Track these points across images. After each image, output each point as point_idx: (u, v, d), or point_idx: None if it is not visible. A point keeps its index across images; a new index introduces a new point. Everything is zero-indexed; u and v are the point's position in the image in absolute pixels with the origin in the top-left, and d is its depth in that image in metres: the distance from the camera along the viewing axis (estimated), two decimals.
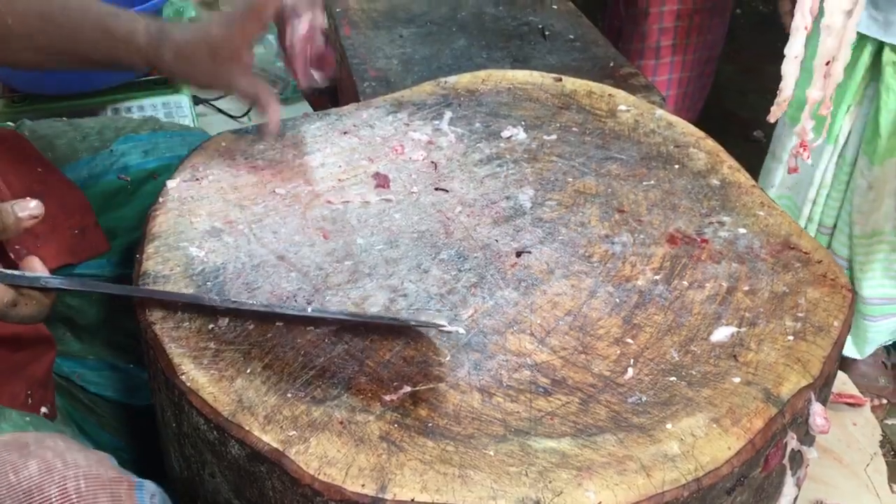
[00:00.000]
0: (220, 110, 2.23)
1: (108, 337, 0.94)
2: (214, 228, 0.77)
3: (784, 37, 0.89)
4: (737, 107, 2.85)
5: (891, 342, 1.75)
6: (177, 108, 1.97)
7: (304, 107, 2.26)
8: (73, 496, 0.50)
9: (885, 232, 1.52)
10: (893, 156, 1.42)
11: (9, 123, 1.00)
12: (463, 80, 1.04)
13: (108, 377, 0.93)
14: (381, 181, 0.84)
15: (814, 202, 1.56)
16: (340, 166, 0.87)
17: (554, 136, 0.93)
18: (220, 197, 0.82)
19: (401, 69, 1.22)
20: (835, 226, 1.59)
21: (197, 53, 0.80)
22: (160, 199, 0.81)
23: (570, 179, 0.86)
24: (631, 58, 2.06)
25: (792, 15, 1.68)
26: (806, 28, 0.78)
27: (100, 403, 0.93)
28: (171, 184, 0.82)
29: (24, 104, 1.89)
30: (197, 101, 2.17)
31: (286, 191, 0.83)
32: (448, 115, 0.97)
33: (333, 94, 1.43)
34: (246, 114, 2.24)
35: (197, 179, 0.83)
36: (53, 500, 0.49)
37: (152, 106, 1.95)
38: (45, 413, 0.79)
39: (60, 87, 1.88)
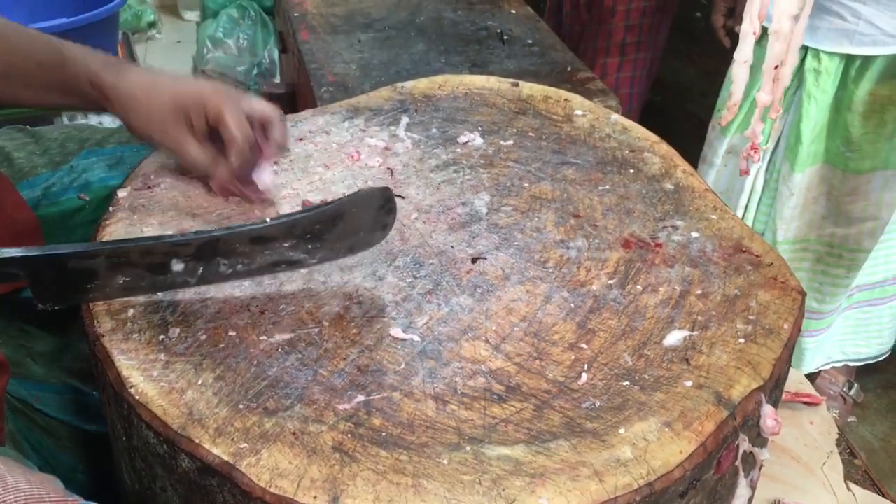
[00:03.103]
0: None
1: (68, 364, 0.91)
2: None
3: None
4: (698, 108, 2.88)
5: (828, 365, 1.77)
6: None
7: None
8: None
9: (809, 240, 1.54)
10: (814, 163, 1.44)
11: None
12: (420, 85, 1.04)
13: (68, 401, 0.90)
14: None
15: (745, 208, 1.58)
16: (296, 174, 0.86)
17: (510, 142, 0.93)
18: (173, 205, 0.80)
19: (359, 74, 1.21)
20: (763, 233, 1.61)
21: (157, 99, 0.76)
22: (110, 209, 0.79)
23: (527, 185, 0.86)
24: (596, 56, 2.08)
25: (724, 29, 1.71)
26: (754, 33, 0.79)
27: (57, 427, 0.90)
28: (121, 193, 0.81)
29: None
30: None
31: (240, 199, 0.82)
32: (405, 120, 0.96)
33: (291, 99, 1.42)
34: None
35: (149, 187, 0.82)
36: None
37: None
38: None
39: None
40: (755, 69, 0.84)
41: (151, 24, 2.59)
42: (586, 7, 2.10)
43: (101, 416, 0.92)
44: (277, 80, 2.22)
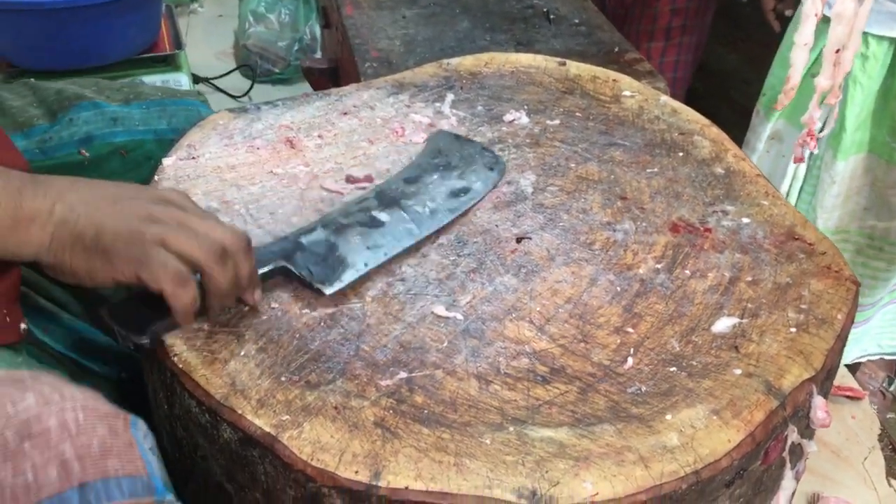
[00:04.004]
0: (219, 89, 2.22)
1: (78, 311, 0.88)
2: (211, 208, 0.76)
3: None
4: (740, 95, 2.82)
5: (863, 358, 1.73)
6: (176, 86, 1.95)
7: (305, 87, 2.24)
8: (72, 426, 0.49)
9: (849, 231, 1.50)
10: (858, 152, 1.39)
11: None
12: (466, 62, 1.03)
13: (75, 339, 0.86)
14: (358, 181, 0.82)
15: (787, 195, 1.54)
16: (339, 148, 0.86)
17: (557, 122, 0.92)
18: (217, 176, 0.80)
19: (403, 50, 1.20)
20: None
21: (102, 191, 0.62)
22: (156, 178, 0.79)
23: (573, 165, 0.85)
24: (640, 40, 2.05)
25: (774, 13, 1.66)
26: (816, 15, 0.77)
27: (64, 361, 0.87)
28: (167, 161, 0.81)
29: (20, 79, 1.87)
30: (196, 79, 2.16)
31: (284, 171, 0.82)
32: (450, 97, 0.95)
33: (334, 74, 1.41)
34: (246, 93, 2.22)
35: (193, 158, 0.82)
36: (52, 430, 0.48)
37: (151, 83, 1.93)
38: (24, 329, 0.74)
39: (57, 62, 1.86)
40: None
41: None
42: None
43: (110, 359, 0.87)
44: (318, 55, 2.22)
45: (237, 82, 2.21)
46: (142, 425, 0.53)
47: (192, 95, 0.98)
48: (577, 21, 1.31)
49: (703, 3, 2.04)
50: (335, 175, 0.82)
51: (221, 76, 2.20)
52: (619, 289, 0.69)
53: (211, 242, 0.60)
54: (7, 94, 0.88)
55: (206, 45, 2.43)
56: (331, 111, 0.91)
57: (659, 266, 0.72)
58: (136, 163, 0.87)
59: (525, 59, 1.03)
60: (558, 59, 1.03)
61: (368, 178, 0.81)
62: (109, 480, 0.49)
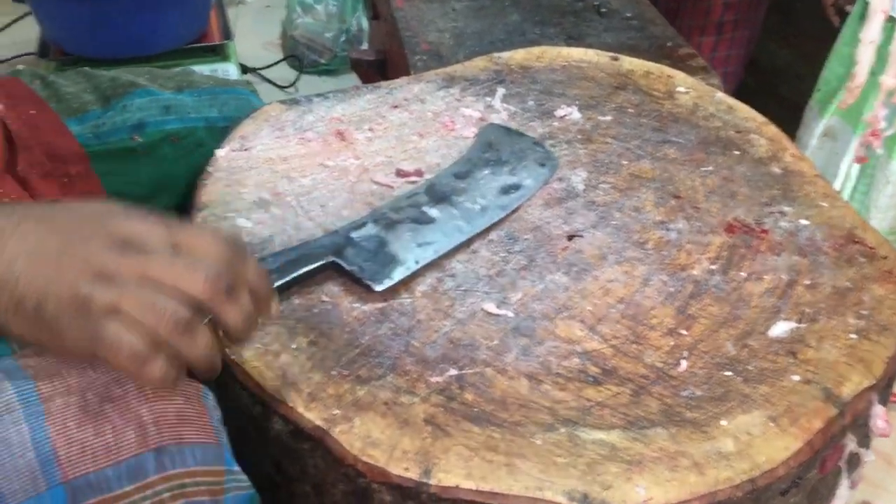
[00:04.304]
0: (266, 79, 2.23)
1: None
2: (262, 200, 0.76)
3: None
4: (792, 92, 2.76)
5: None
6: (224, 76, 1.97)
7: (352, 78, 2.24)
8: (149, 391, 0.50)
9: None
10: None
11: (20, 67, 0.93)
12: (517, 55, 1.02)
13: None
14: (408, 174, 0.81)
15: (839, 194, 1.50)
16: (389, 141, 0.86)
17: (609, 117, 0.91)
18: (269, 168, 0.81)
19: (452, 43, 1.19)
20: None
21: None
22: (209, 168, 0.80)
23: (625, 162, 0.84)
24: (691, 34, 2.01)
25: (834, 8, 1.61)
26: (884, 12, 0.74)
27: None
28: (220, 153, 0.82)
29: (72, 66, 1.91)
30: (244, 70, 2.17)
31: (335, 164, 0.82)
32: (501, 91, 0.94)
33: (382, 66, 1.41)
34: (293, 84, 2.23)
35: (246, 149, 0.83)
36: (130, 394, 0.49)
37: (200, 73, 1.94)
38: None
39: (108, 50, 1.89)
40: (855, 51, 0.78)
41: None
42: None
43: None
44: (365, 46, 2.22)
45: (284, 73, 2.22)
46: (212, 397, 0.53)
47: (243, 85, 0.99)
48: (628, 15, 1.29)
49: None
50: (385, 168, 0.82)
51: (269, 66, 2.21)
52: (672, 289, 0.68)
53: (181, 297, 0.47)
54: (62, 80, 0.89)
55: (253, 35, 2.44)
56: (381, 104, 0.91)
57: (714, 267, 0.71)
58: (188, 149, 0.88)
59: (577, 53, 1.02)
60: (610, 54, 1.02)
61: (418, 173, 0.81)
62: (184, 447, 0.50)
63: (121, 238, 0.49)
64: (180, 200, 0.86)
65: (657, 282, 0.69)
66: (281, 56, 2.35)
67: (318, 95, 0.91)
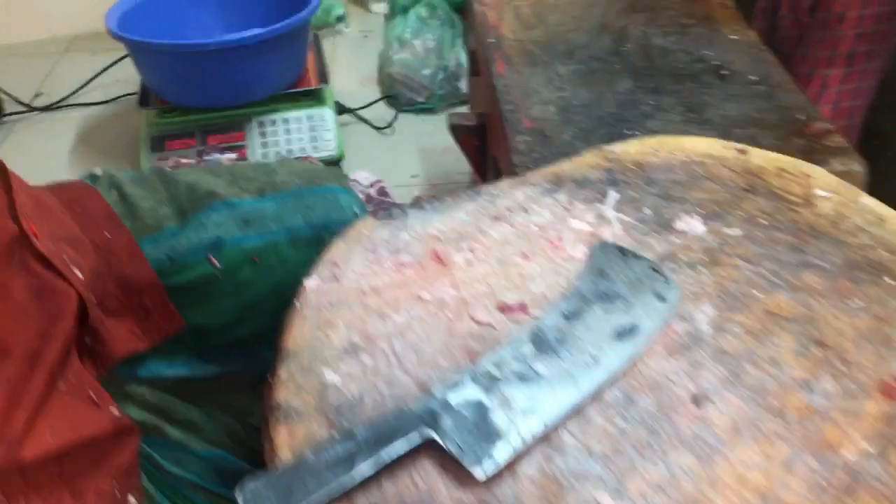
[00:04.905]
0: (363, 119, 2.20)
1: (210, 435, 0.86)
2: (353, 345, 0.70)
3: None
4: None
5: None
6: (320, 120, 1.94)
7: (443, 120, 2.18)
8: None
9: None
10: None
11: (97, 171, 0.89)
12: (631, 149, 0.92)
13: (209, 467, 0.85)
14: (511, 310, 0.74)
15: None
16: (491, 265, 0.78)
17: (738, 231, 0.80)
18: (360, 302, 0.74)
19: (558, 118, 1.11)
20: None
21: None
22: (297, 303, 0.75)
23: (759, 294, 0.73)
24: (816, 66, 1.86)
25: None
26: None
27: (196, 492, 0.85)
28: (309, 284, 0.76)
29: (173, 115, 1.92)
30: (341, 110, 2.14)
31: (431, 296, 0.75)
32: (613, 196, 0.85)
33: (482, 132, 1.34)
34: (390, 124, 2.19)
35: (336, 279, 0.77)
36: None
37: (297, 119, 1.94)
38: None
39: (207, 101, 1.89)
40: None
41: (339, 18, 2.59)
42: (809, 10, 1.87)
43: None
44: (463, 88, 2.15)
45: (381, 112, 2.18)
46: None
47: (332, 178, 0.93)
48: (753, 78, 1.18)
49: (890, 25, 1.83)
50: (486, 300, 0.74)
51: (365, 107, 2.18)
52: (822, 480, 0.58)
53: None
54: (139, 189, 0.85)
55: (351, 67, 2.42)
56: (481, 216, 0.84)
57: (869, 447, 0.60)
58: (270, 268, 0.83)
59: (699, 146, 0.92)
60: (737, 146, 0.91)
61: (522, 307, 0.74)
62: None
63: None
64: (265, 324, 0.82)
65: (802, 467, 0.59)
66: (377, 89, 2.31)
67: (414, 206, 0.85)
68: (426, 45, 2.15)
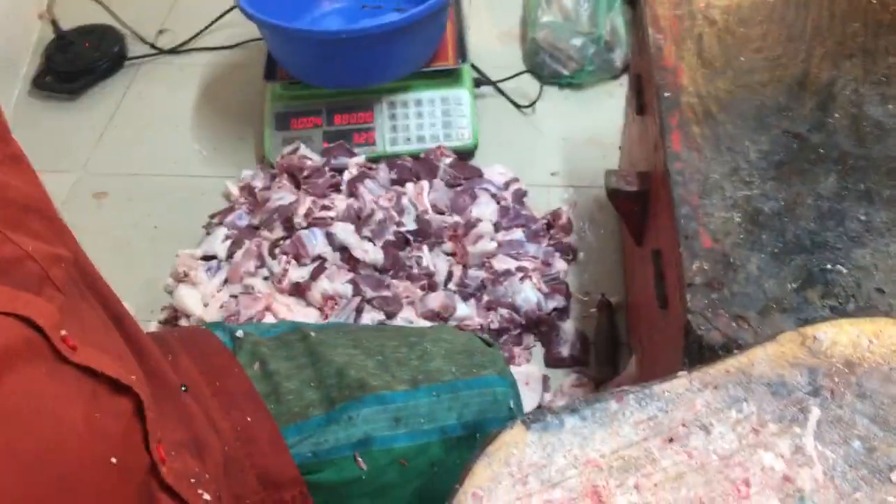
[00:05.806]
0: (502, 93, 2.02)
1: None
2: None
3: None
4: None
5: None
6: (456, 104, 1.79)
7: (597, 95, 1.98)
8: None
9: None
10: None
11: (239, 334, 0.81)
12: (840, 339, 0.76)
13: None
14: None
15: None
16: None
17: None
18: None
19: (743, 237, 0.93)
20: None
21: None
22: None
23: None
24: None
25: None
26: None
27: None
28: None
29: (299, 89, 1.80)
30: (478, 83, 1.97)
31: None
32: (815, 415, 0.71)
33: (644, 199, 1.16)
34: (533, 103, 2.00)
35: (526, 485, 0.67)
36: None
37: (430, 100, 1.79)
38: None
39: (338, 82, 1.77)
40: None
41: None
42: None
43: None
44: (617, 61, 1.92)
45: (522, 83, 1.98)
46: None
47: (490, 365, 0.81)
48: None
49: None
50: None
51: (505, 79, 1.98)
52: None
53: None
54: (281, 363, 0.77)
55: (490, 17, 2.19)
56: (652, 434, 0.71)
57: None
58: (418, 472, 0.75)
59: None
60: None
61: None
62: None
63: None
64: None
65: None
66: (518, 49, 2.12)
67: (569, 410, 0.72)
68: (579, 7, 1.91)
